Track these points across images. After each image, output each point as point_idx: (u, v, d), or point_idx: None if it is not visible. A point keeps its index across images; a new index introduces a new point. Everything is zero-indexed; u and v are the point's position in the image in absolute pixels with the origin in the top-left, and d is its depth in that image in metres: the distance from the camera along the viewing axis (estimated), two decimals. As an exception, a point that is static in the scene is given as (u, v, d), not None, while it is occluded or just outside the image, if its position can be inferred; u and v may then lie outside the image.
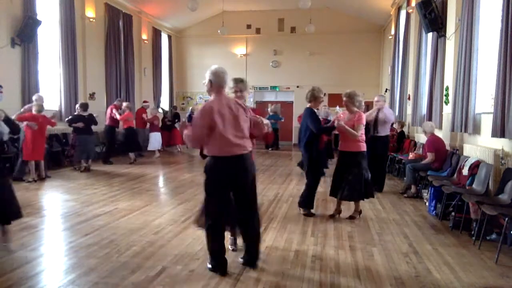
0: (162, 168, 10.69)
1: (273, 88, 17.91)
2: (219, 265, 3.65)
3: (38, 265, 3.82)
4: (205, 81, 3.68)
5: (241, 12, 17.00)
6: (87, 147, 9.45)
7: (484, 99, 6.43)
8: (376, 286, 3.46)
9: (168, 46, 17.81)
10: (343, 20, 16.68)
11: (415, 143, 9.40)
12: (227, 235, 4.00)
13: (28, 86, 9.53)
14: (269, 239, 4.50)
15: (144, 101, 13.69)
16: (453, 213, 5.20)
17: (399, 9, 12.99)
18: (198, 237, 4.46)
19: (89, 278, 3.51)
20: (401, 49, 12.08)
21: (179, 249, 4.25)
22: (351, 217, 5.54)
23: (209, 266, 3.70)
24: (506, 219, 4.06)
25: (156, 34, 16.39)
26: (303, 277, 3.60)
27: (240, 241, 3.99)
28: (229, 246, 4.15)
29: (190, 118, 15.21)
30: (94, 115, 9.72)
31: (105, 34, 12.83)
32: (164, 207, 6.21)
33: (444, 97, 7.77)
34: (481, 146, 6.01)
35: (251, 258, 3.76)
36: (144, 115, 12.82)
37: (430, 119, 8.55)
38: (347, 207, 5.85)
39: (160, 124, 13.98)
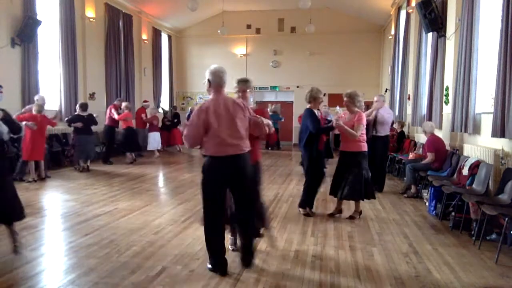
0: (162, 168, 10.69)
1: (273, 88, 17.91)
2: (218, 265, 3.65)
3: (38, 265, 3.82)
4: (205, 81, 3.69)
5: (241, 12, 17.00)
6: (87, 147, 9.44)
7: (484, 99, 6.43)
8: (376, 286, 3.46)
9: (168, 46, 17.80)
10: (343, 20, 16.68)
11: (415, 143, 9.41)
12: (227, 235, 4.00)
13: (28, 86, 9.53)
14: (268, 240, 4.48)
15: (144, 101, 13.68)
16: (453, 213, 5.20)
17: (399, 9, 12.99)
18: (198, 237, 4.46)
19: (89, 278, 3.51)
20: (401, 49, 12.08)
21: (179, 249, 4.25)
22: (351, 217, 5.55)
23: (209, 266, 3.70)
24: (506, 219, 4.06)
25: (156, 34, 16.38)
26: (303, 277, 3.60)
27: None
28: (229, 246, 4.15)
29: (189, 118, 15.20)
30: (94, 115, 9.72)
31: (105, 34, 12.83)
32: (164, 207, 6.21)
33: (444, 97, 7.77)
34: (481, 146, 6.01)
35: (247, 258, 3.75)
36: (143, 115, 12.81)
37: (430, 119, 8.55)
38: (347, 207, 5.86)
39: (160, 124, 13.99)
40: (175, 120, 14.37)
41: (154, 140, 12.45)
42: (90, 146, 9.58)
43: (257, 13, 17.18)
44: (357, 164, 5.41)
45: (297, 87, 17.12)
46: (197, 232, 4.64)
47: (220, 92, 3.66)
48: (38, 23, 9.49)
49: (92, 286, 3.37)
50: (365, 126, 5.56)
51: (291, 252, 4.20)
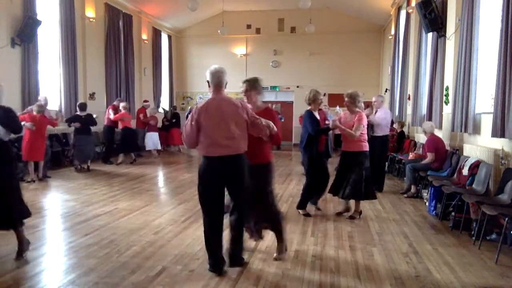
0: (162, 168, 10.70)
1: (273, 88, 17.89)
2: (215, 265, 3.64)
3: (38, 265, 3.82)
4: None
5: (241, 12, 16.99)
6: (86, 147, 9.42)
7: (484, 99, 6.43)
8: (376, 286, 3.46)
9: (168, 46, 17.81)
10: (343, 20, 16.68)
11: (415, 143, 9.40)
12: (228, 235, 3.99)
13: (28, 86, 9.53)
14: (269, 239, 4.48)
15: (145, 101, 13.69)
16: (453, 213, 5.20)
17: (399, 9, 12.99)
18: (198, 237, 4.46)
19: (89, 278, 3.51)
20: (401, 49, 12.08)
21: (179, 249, 4.25)
22: (351, 217, 5.55)
23: (208, 266, 3.70)
24: (506, 219, 4.06)
25: (156, 34, 16.39)
26: (303, 277, 3.60)
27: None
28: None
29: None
30: (94, 115, 9.71)
31: (105, 34, 12.83)
32: (164, 207, 6.21)
33: (444, 97, 7.77)
34: (481, 146, 6.01)
35: (233, 259, 3.73)
36: (141, 115, 12.81)
37: (430, 119, 8.55)
38: (341, 207, 5.87)
39: (160, 124, 14.00)
40: (174, 120, 14.30)
41: (151, 140, 12.41)
42: (89, 147, 9.56)
43: (257, 13, 17.18)
44: (359, 163, 5.42)
45: (297, 87, 17.13)
46: (197, 232, 4.64)
47: (219, 92, 3.65)
48: (38, 23, 9.49)
49: (92, 286, 3.37)
50: (365, 126, 5.57)
51: (291, 252, 4.20)
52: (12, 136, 4.16)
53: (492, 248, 4.31)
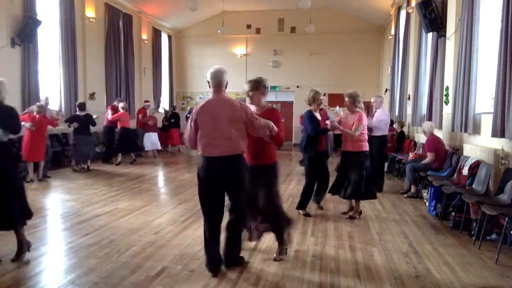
0: (162, 168, 10.70)
1: (273, 88, 17.85)
2: (210, 265, 3.65)
3: (38, 265, 3.82)
4: None
5: (241, 12, 16.99)
6: (85, 147, 9.41)
7: (484, 99, 6.43)
8: (376, 286, 3.46)
9: (168, 46, 17.80)
10: (343, 20, 16.68)
11: (415, 143, 9.40)
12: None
13: (28, 86, 9.52)
14: (269, 239, 4.49)
15: (145, 101, 13.69)
16: (453, 213, 5.20)
17: (399, 9, 12.99)
18: (198, 237, 4.46)
19: (89, 278, 3.51)
20: (401, 49, 12.08)
21: (179, 249, 4.25)
22: (351, 217, 5.56)
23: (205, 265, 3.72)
24: (506, 219, 4.06)
25: (156, 34, 16.38)
26: (303, 277, 3.60)
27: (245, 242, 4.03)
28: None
29: (187, 118, 15.22)
30: (94, 116, 9.71)
31: (105, 34, 12.82)
32: (164, 207, 6.21)
33: (444, 97, 7.77)
34: (481, 146, 6.01)
35: (230, 259, 3.74)
36: (140, 115, 12.81)
37: (430, 119, 8.55)
38: (345, 207, 5.87)
39: (161, 124, 14.00)
40: (172, 120, 14.23)
41: (149, 140, 12.36)
42: (89, 147, 9.54)
43: (257, 13, 17.17)
44: (359, 163, 5.43)
45: (297, 87, 17.13)
46: (197, 232, 4.65)
47: (219, 92, 3.66)
48: (38, 23, 9.49)
49: (92, 286, 3.37)
50: (365, 126, 5.57)
51: (291, 252, 4.20)
52: (12, 136, 4.09)
53: (492, 248, 4.31)
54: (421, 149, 8.38)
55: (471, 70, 6.43)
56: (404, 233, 4.96)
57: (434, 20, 7.95)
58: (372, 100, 7.72)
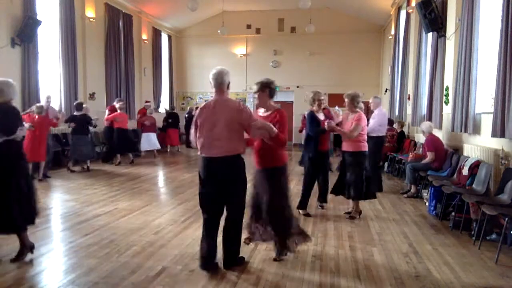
0: (162, 168, 10.70)
1: (273, 88, 17.87)
2: (201, 258, 3.68)
3: (38, 265, 3.82)
4: None
5: (241, 12, 17.00)
6: (83, 147, 9.39)
7: (484, 99, 6.43)
8: (376, 286, 3.46)
9: (168, 46, 17.81)
10: (343, 20, 16.68)
11: (415, 143, 9.40)
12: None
13: (28, 86, 9.52)
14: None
15: (146, 101, 13.68)
16: (453, 213, 5.20)
17: (399, 9, 12.99)
18: (198, 237, 4.42)
19: (89, 278, 3.51)
20: (401, 49, 12.08)
21: (179, 249, 4.25)
22: (351, 217, 5.56)
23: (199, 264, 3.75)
24: (506, 219, 4.06)
25: (156, 34, 16.39)
26: (303, 277, 3.60)
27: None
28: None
29: (186, 118, 15.22)
30: (94, 117, 9.69)
31: (105, 34, 12.82)
32: (164, 207, 6.21)
33: (444, 97, 7.77)
34: (481, 146, 6.00)
35: (227, 260, 3.75)
36: (138, 115, 12.80)
37: (430, 119, 8.55)
38: (348, 206, 5.87)
39: (162, 125, 14.00)
40: (170, 120, 14.17)
41: (145, 141, 12.30)
42: (87, 147, 9.53)
43: (257, 13, 17.18)
44: (357, 164, 5.44)
45: (297, 87, 17.13)
46: (197, 232, 4.63)
47: (221, 93, 3.67)
48: (38, 23, 9.49)
49: (92, 286, 3.38)
50: (364, 127, 5.57)
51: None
52: (10, 137, 3.89)
53: (492, 248, 4.32)
54: (421, 149, 8.38)
55: (471, 70, 6.43)
56: (404, 233, 4.96)
57: (434, 20, 7.95)
58: (370, 101, 7.73)
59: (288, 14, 17.05)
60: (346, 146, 5.58)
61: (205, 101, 3.65)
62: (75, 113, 9.49)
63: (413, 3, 10.34)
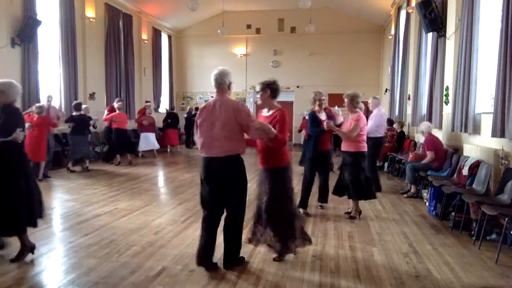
0: (162, 168, 10.70)
1: (273, 88, 17.86)
2: (198, 252, 3.71)
3: (38, 265, 3.83)
4: None
5: (241, 12, 16.99)
6: (82, 147, 9.39)
7: (484, 99, 6.43)
8: (376, 286, 3.46)
9: (168, 46, 17.80)
10: (343, 20, 16.68)
11: (415, 143, 9.40)
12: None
13: (28, 86, 9.52)
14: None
15: (146, 101, 13.68)
16: (453, 213, 5.20)
17: (399, 9, 12.98)
18: (198, 237, 4.44)
19: (89, 278, 3.52)
20: (401, 49, 12.08)
21: (179, 249, 4.25)
22: (351, 217, 5.56)
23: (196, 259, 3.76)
24: (506, 219, 4.06)
25: (156, 34, 16.38)
26: (303, 277, 3.60)
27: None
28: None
29: (185, 118, 15.22)
30: (94, 117, 9.68)
31: (105, 34, 12.82)
32: (164, 207, 6.21)
33: (444, 97, 7.77)
34: (481, 146, 6.01)
35: (227, 260, 3.76)
36: (137, 115, 12.79)
37: (430, 119, 8.55)
38: (348, 206, 5.87)
39: (161, 125, 13.99)
40: (169, 120, 14.13)
41: (145, 141, 12.27)
42: (85, 147, 9.52)
43: (257, 13, 17.17)
44: (356, 164, 5.44)
45: (297, 87, 17.12)
46: (197, 232, 4.60)
47: (221, 93, 3.69)
48: (38, 23, 9.49)
49: (92, 286, 3.38)
50: (364, 127, 5.57)
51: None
52: (8, 138, 3.83)
53: (492, 248, 4.32)
54: (421, 149, 8.38)
55: (471, 70, 6.43)
56: (404, 233, 4.96)
57: (434, 20, 7.95)
58: (369, 101, 7.75)
59: (288, 14, 17.05)
60: (345, 146, 5.58)
61: (205, 101, 3.65)
62: (74, 113, 9.49)
63: (413, 3, 10.34)
